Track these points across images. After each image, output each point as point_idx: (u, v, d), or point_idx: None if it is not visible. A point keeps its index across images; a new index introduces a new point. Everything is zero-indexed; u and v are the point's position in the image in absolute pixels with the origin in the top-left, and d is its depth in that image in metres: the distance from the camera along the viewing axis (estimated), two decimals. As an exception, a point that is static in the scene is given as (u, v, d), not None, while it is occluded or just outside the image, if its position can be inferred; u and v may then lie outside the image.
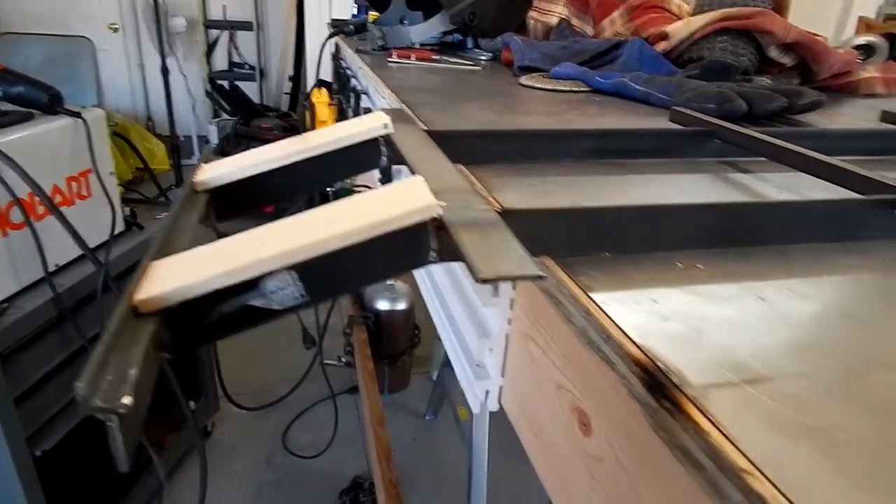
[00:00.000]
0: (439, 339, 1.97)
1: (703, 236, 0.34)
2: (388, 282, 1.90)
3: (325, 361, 1.88)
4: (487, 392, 0.48)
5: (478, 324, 0.48)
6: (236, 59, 4.02)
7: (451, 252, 0.31)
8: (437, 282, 0.59)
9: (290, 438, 1.81)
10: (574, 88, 0.83)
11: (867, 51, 1.54)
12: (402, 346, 1.95)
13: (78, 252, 1.25)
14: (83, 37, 3.40)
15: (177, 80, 3.36)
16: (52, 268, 1.17)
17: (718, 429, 0.20)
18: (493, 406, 0.48)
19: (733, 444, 0.20)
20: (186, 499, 1.46)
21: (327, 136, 0.43)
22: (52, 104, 1.20)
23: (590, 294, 0.29)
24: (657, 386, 0.23)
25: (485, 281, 0.23)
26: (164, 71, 3.05)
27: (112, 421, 0.21)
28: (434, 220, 0.29)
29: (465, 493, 1.49)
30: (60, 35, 3.33)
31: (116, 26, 3.70)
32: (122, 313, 0.26)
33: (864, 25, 2.70)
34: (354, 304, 1.94)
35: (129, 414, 0.22)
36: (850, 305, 0.29)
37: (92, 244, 1.23)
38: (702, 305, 0.29)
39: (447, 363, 1.81)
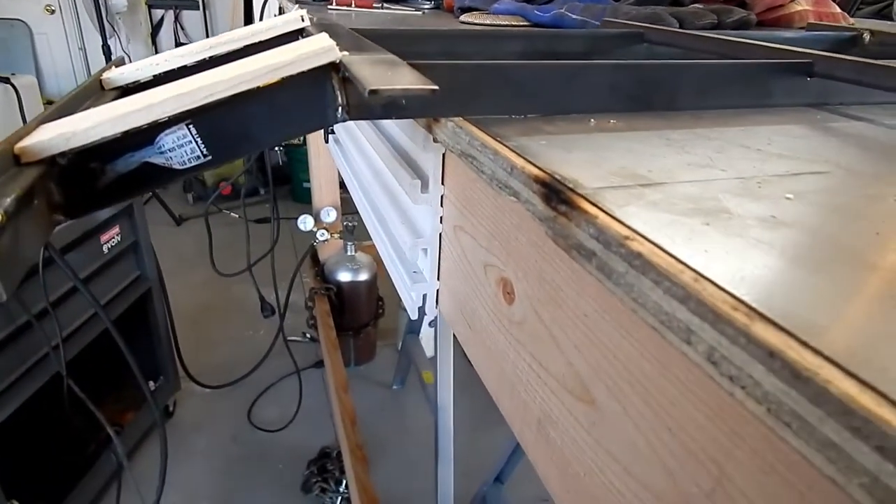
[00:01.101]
0: (403, 309, 1.97)
1: (617, 98, 0.34)
2: (349, 253, 1.88)
3: (289, 338, 1.86)
4: (425, 296, 0.47)
5: (410, 226, 0.47)
6: (183, 39, 3.89)
7: (360, 109, 0.30)
8: (369, 190, 0.59)
9: (256, 414, 1.78)
10: (513, 23, 0.83)
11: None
12: (366, 317, 1.94)
13: (16, 225, 1.19)
14: (17, 19, 3.24)
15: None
16: (-12, 241, 1.12)
17: (605, 212, 0.20)
18: (431, 311, 0.48)
19: (615, 218, 0.20)
20: (148, 479, 1.42)
21: (243, 32, 0.41)
22: (-22, 69, 1.14)
23: (499, 139, 0.29)
24: (554, 194, 0.23)
25: (374, 92, 0.23)
26: (107, 52, 2.93)
27: (-24, 237, 0.20)
28: (335, 65, 0.28)
29: (434, 456, 1.50)
30: (-6, 18, 3.16)
31: (53, 7, 3.53)
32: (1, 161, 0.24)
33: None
34: (315, 276, 1.92)
35: (3, 230, 0.20)
36: (749, 141, 0.30)
37: (30, 214, 1.18)
38: (608, 143, 0.29)
39: (410, 331, 1.81)
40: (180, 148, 0.28)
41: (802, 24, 0.97)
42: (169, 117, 0.27)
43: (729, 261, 0.18)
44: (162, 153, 0.28)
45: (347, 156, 0.74)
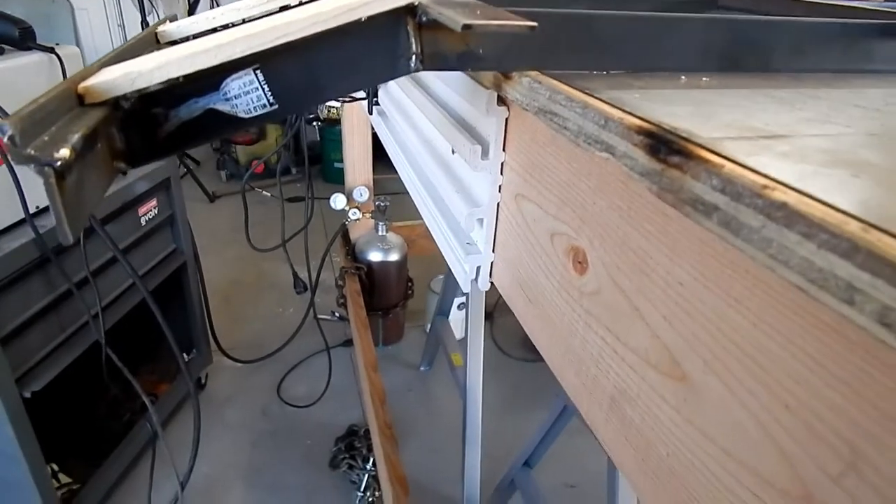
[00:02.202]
0: (433, 290, 1.96)
1: (709, 55, 0.31)
2: (381, 233, 1.88)
3: (319, 316, 1.87)
4: (478, 269, 0.45)
5: (466, 195, 0.45)
6: (221, 18, 3.90)
7: (435, 58, 0.28)
8: (417, 160, 0.57)
9: (285, 390, 1.80)
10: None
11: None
12: (396, 298, 1.94)
13: (59, 195, 1.21)
14: (61, -4, 3.28)
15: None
16: (32, 209, 1.14)
17: (732, 161, 0.18)
18: (484, 284, 0.46)
19: (747, 167, 0.17)
20: (180, 449, 1.45)
21: None
22: (24, 39, 1.15)
23: (587, 92, 0.26)
24: (663, 145, 0.20)
25: (467, 27, 0.21)
26: (145, 26, 2.96)
27: (48, 175, 0.19)
28: (412, 8, 0.26)
29: (461, 438, 1.50)
30: (37, -6, 3.21)
31: (94, -16, 3.57)
32: (58, 98, 0.23)
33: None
34: (346, 256, 1.92)
35: (67, 170, 0.19)
36: (862, 101, 0.27)
37: (72, 184, 1.19)
38: (709, 98, 0.26)
39: (440, 313, 1.80)
40: (246, 95, 0.27)
41: None
42: (237, 60, 0.26)
43: None
44: (227, 100, 0.26)
45: (392, 127, 0.72)
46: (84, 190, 0.21)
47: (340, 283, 1.83)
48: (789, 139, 0.20)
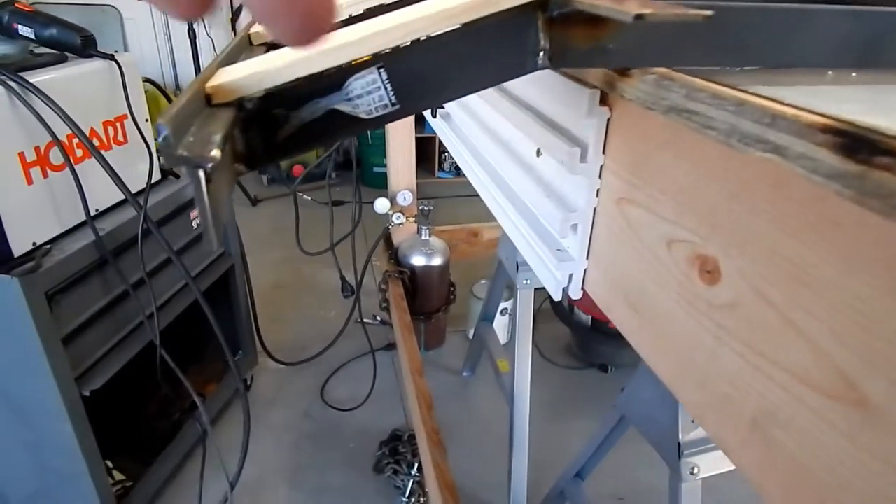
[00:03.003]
0: (475, 296, 1.94)
1: (850, 50, 0.28)
2: (424, 237, 1.87)
3: (362, 320, 1.87)
4: (571, 276, 0.43)
5: (558, 200, 0.43)
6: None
7: (564, 54, 0.26)
8: (492, 164, 0.55)
9: (328, 393, 1.81)
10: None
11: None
12: (438, 303, 1.93)
13: (117, 198, 1.24)
14: (109, 5, 3.39)
15: (204, 45, 3.33)
16: (92, 212, 1.16)
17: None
18: (576, 292, 0.44)
19: None
20: (227, 447, 1.47)
21: None
22: (86, 46, 1.18)
23: (737, 88, 0.24)
24: (865, 145, 0.18)
25: (639, 17, 0.19)
26: (192, 36, 3.03)
27: (198, 175, 0.18)
28: (543, 2, 0.24)
29: (508, 445, 1.47)
30: (87, 4, 3.32)
31: (142, -6, 3.68)
32: (193, 98, 0.22)
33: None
34: (389, 260, 1.92)
35: (215, 171, 0.18)
36: None
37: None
38: (874, 96, 0.24)
39: (484, 318, 1.78)
40: (368, 95, 0.25)
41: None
42: (362, 59, 0.24)
43: None
44: (349, 100, 0.25)
45: (459, 130, 0.71)
46: (221, 193, 0.20)
47: (384, 286, 1.83)
48: None
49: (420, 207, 1.85)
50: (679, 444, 0.84)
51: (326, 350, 1.88)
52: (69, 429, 1.10)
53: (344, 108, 0.25)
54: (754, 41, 0.27)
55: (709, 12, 0.20)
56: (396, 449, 1.56)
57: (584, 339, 1.87)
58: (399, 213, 1.87)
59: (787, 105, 0.21)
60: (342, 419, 1.72)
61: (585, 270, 0.43)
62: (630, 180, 0.37)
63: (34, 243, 1.07)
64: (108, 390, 1.18)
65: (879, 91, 0.25)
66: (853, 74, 0.27)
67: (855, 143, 0.18)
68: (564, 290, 0.43)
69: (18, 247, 1.04)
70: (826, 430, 0.23)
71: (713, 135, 0.25)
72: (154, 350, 1.25)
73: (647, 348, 0.36)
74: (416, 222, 1.88)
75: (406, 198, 1.86)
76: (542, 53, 0.26)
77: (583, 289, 0.43)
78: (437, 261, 1.86)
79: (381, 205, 1.84)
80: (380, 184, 2.08)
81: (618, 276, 0.39)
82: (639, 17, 0.19)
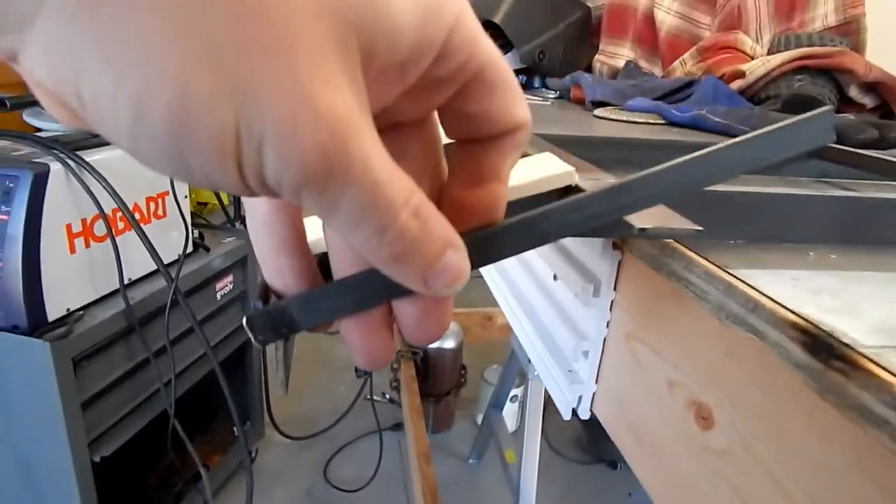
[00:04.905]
0: (486, 381, 1.93)
1: (832, 229, 0.33)
2: (438, 318, 1.90)
3: (371, 397, 1.87)
4: (580, 398, 0.46)
5: (571, 326, 0.47)
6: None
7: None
8: (520, 290, 0.59)
9: (332, 471, 1.78)
10: (649, 121, 0.84)
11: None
12: (449, 385, 1.93)
13: (150, 268, 1.30)
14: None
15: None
16: (126, 281, 1.22)
17: (905, 381, 0.19)
18: (584, 413, 0.47)
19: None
20: (228, 524, 1.44)
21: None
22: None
23: (727, 270, 0.29)
24: (824, 347, 0.22)
25: (643, 231, 0.23)
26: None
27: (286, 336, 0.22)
28: (570, 188, 0.29)
29: (511, 541, 1.43)
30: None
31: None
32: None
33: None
34: (403, 340, 1.94)
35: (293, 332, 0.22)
36: None
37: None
38: (848, 285, 0.28)
39: (494, 405, 1.77)
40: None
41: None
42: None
43: None
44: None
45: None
46: (292, 348, 0.25)
47: (395, 366, 1.85)
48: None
49: (436, 289, 1.89)
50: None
51: (333, 426, 1.87)
52: (76, 496, 1.10)
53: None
54: (745, 220, 0.32)
55: (698, 227, 0.24)
56: (397, 538, 1.52)
57: (594, 433, 1.85)
58: (416, 294, 1.91)
59: (767, 297, 0.25)
60: (344, 500, 1.68)
61: (594, 394, 0.46)
62: (639, 319, 0.40)
63: (68, 309, 1.12)
64: (113, 458, 1.19)
65: (853, 279, 0.29)
66: (832, 256, 0.31)
67: (817, 343, 0.22)
68: (574, 410, 0.46)
69: (53, 312, 1.09)
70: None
71: (706, 307, 0.29)
72: (161, 418, 1.27)
73: (646, 476, 0.39)
74: (431, 304, 1.91)
75: (423, 279, 1.91)
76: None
77: (591, 410, 0.46)
78: (450, 343, 1.88)
79: (399, 285, 1.88)
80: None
81: (625, 405, 0.42)
82: (642, 230, 0.23)
